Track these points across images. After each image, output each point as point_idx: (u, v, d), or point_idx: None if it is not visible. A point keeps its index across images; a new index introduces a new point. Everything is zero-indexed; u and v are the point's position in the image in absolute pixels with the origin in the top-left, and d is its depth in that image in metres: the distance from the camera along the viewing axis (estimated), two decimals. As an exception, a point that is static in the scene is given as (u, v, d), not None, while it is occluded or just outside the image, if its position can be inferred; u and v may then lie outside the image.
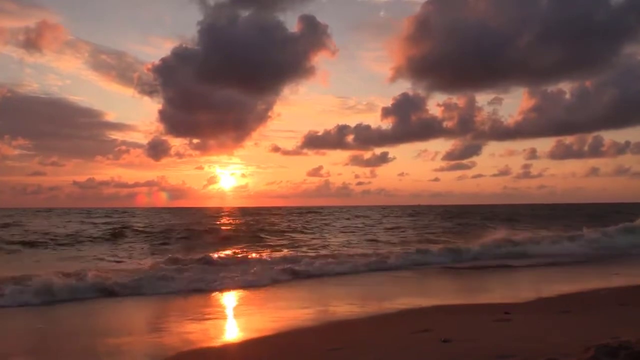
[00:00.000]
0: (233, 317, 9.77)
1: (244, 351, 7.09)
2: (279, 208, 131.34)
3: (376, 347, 6.50)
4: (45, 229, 33.40)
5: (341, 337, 7.39)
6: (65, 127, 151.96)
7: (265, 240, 28.19)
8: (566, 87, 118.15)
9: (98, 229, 34.77)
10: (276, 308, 10.57)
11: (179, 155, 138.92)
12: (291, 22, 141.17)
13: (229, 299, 11.61)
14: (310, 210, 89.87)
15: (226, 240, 27.89)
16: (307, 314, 9.43)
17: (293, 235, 32.13)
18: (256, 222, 47.24)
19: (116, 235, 29.25)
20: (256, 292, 12.31)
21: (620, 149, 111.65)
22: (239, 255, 18.91)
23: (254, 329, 8.23)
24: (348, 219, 56.92)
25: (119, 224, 38.74)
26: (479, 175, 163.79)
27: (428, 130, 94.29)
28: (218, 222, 48.62)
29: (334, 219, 56.12)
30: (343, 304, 10.61)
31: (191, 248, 22.23)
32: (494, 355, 5.44)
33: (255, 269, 14.69)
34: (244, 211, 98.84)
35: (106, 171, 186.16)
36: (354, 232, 34.98)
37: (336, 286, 13.62)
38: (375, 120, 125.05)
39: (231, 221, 51.89)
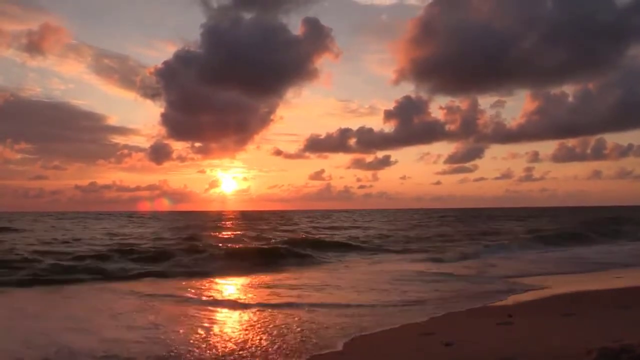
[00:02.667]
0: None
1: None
2: (284, 212, 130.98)
3: (378, 350, 6.53)
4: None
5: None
6: (67, 130, 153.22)
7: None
8: (569, 90, 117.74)
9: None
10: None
11: (181, 158, 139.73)
12: (294, 25, 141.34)
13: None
14: (349, 214, 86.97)
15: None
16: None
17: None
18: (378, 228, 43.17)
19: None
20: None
21: (623, 151, 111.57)
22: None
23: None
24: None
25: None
26: (481, 179, 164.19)
27: (430, 133, 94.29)
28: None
29: (408, 222, 54.67)
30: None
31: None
32: (497, 358, 5.47)
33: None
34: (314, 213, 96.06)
35: (108, 175, 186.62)
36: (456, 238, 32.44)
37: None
38: (378, 123, 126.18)
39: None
